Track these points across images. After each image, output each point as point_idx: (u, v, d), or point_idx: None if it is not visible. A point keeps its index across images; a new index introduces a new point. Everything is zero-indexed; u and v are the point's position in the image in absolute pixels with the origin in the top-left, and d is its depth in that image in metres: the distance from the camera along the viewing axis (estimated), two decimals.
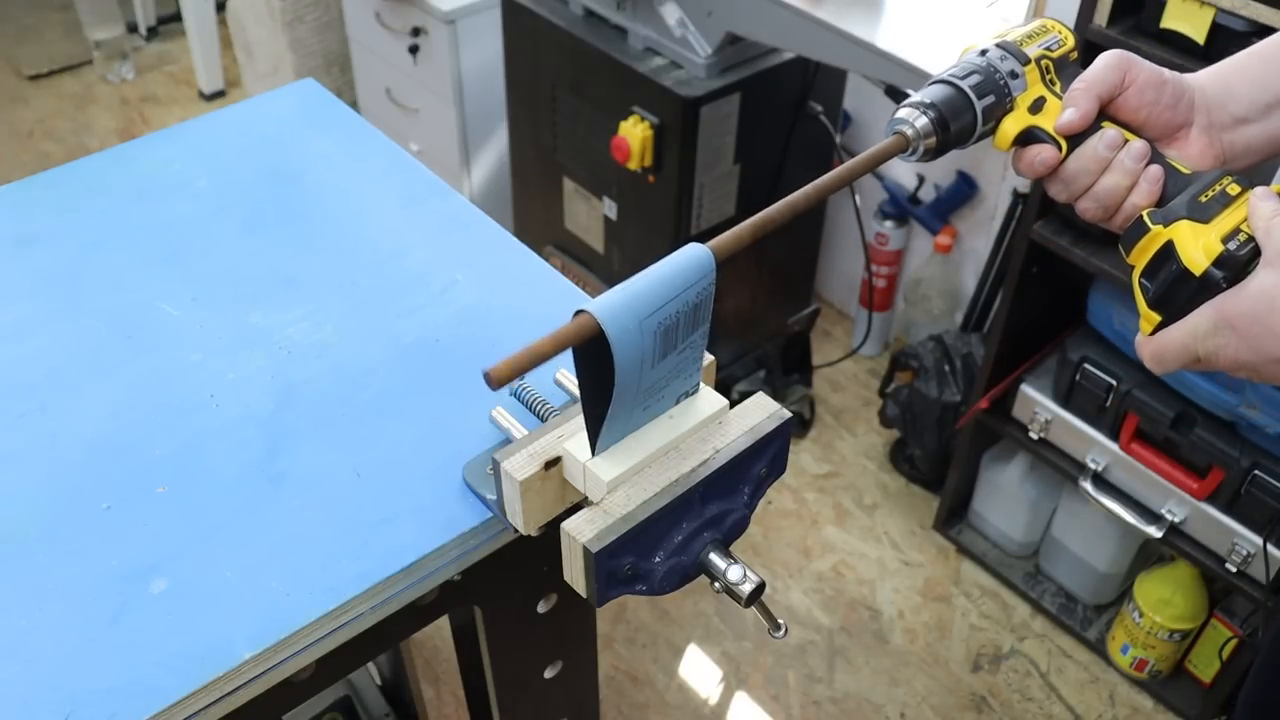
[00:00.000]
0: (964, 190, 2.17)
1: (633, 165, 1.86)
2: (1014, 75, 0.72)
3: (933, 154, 0.72)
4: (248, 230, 1.05)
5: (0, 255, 1.02)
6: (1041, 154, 0.72)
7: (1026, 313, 1.80)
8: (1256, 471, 1.56)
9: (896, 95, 1.84)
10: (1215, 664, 1.79)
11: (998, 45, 0.73)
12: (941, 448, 2.09)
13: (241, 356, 0.91)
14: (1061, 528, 1.97)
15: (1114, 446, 1.73)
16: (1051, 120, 0.72)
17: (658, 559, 0.68)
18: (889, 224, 2.30)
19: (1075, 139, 0.72)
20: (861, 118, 2.29)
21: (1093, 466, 1.77)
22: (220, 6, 3.16)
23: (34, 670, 0.69)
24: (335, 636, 0.73)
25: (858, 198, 2.14)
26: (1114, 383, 1.69)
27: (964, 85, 0.71)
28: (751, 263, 2.10)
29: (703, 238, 0.65)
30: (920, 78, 1.49)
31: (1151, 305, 0.69)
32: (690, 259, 0.64)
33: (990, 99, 0.72)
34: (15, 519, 0.78)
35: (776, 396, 1.50)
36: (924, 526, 2.15)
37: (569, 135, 2.05)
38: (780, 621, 0.71)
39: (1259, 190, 0.68)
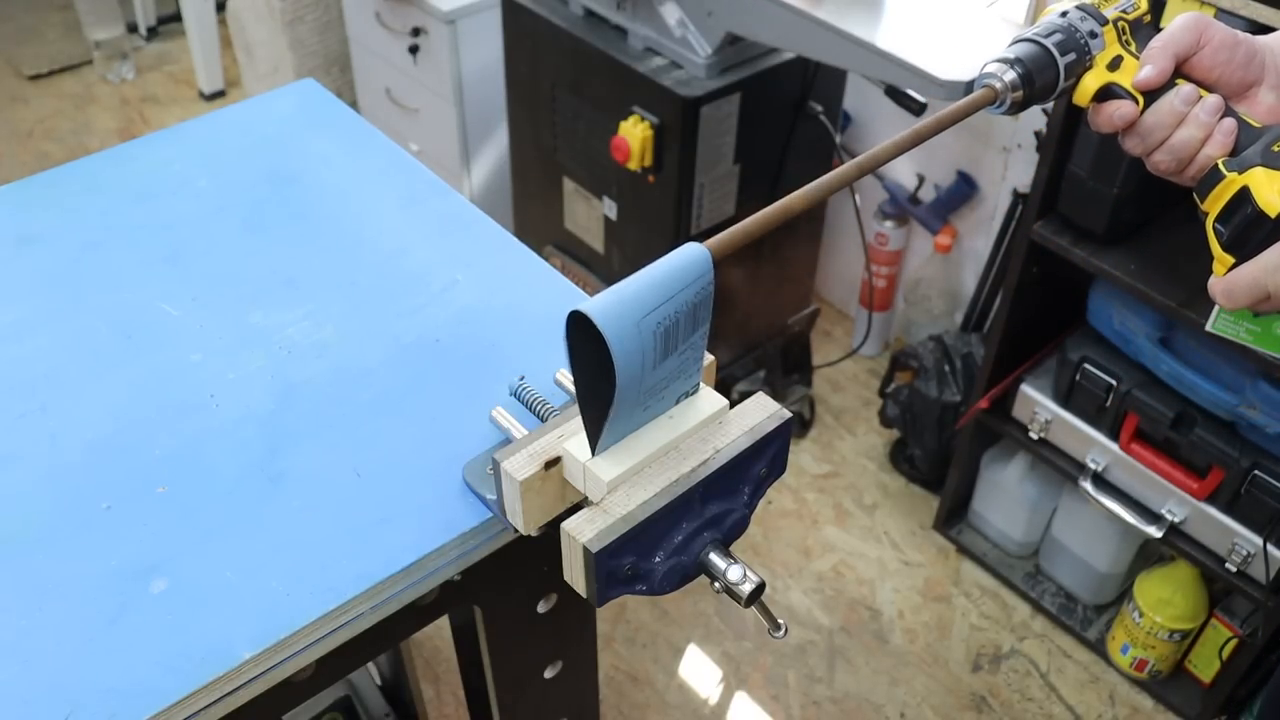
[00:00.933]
0: (964, 190, 2.17)
1: (633, 165, 1.86)
2: (1093, 35, 0.76)
3: (1018, 107, 0.76)
4: (248, 230, 1.05)
5: (0, 255, 1.02)
6: (1121, 109, 0.76)
7: (1026, 313, 1.80)
8: (1256, 471, 1.56)
9: (896, 95, 1.84)
10: (1215, 664, 1.79)
11: (1077, 7, 0.77)
12: (941, 448, 2.09)
13: (241, 356, 0.91)
14: (1061, 528, 1.97)
15: (1114, 446, 1.73)
16: (1129, 77, 0.76)
17: (658, 559, 0.68)
18: (889, 224, 2.30)
19: (1151, 95, 0.75)
20: (861, 118, 2.29)
21: (1093, 466, 1.77)
22: (220, 6, 3.16)
23: (34, 670, 0.69)
24: (335, 636, 0.73)
25: (858, 198, 2.14)
26: (1114, 383, 1.69)
27: (1048, 43, 0.75)
28: (751, 263, 2.10)
29: (703, 238, 0.65)
30: (920, 78, 1.49)
31: (1225, 248, 0.73)
32: (687, 259, 0.63)
33: (1072, 56, 0.75)
34: (15, 519, 0.78)
35: (776, 396, 1.50)
36: (924, 526, 2.15)
37: (569, 135, 2.05)
38: (780, 621, 0.71)
39: None
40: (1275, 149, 0.72)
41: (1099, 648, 1.94)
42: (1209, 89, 0.76)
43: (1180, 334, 1.63)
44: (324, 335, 0.93)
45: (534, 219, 2.31)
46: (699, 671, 1.90)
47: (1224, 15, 1.34)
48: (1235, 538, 1.62)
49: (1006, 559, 2.07)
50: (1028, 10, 1.93)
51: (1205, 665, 1.83)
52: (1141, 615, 1.80)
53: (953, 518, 2.13)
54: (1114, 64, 0.77)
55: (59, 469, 0.81)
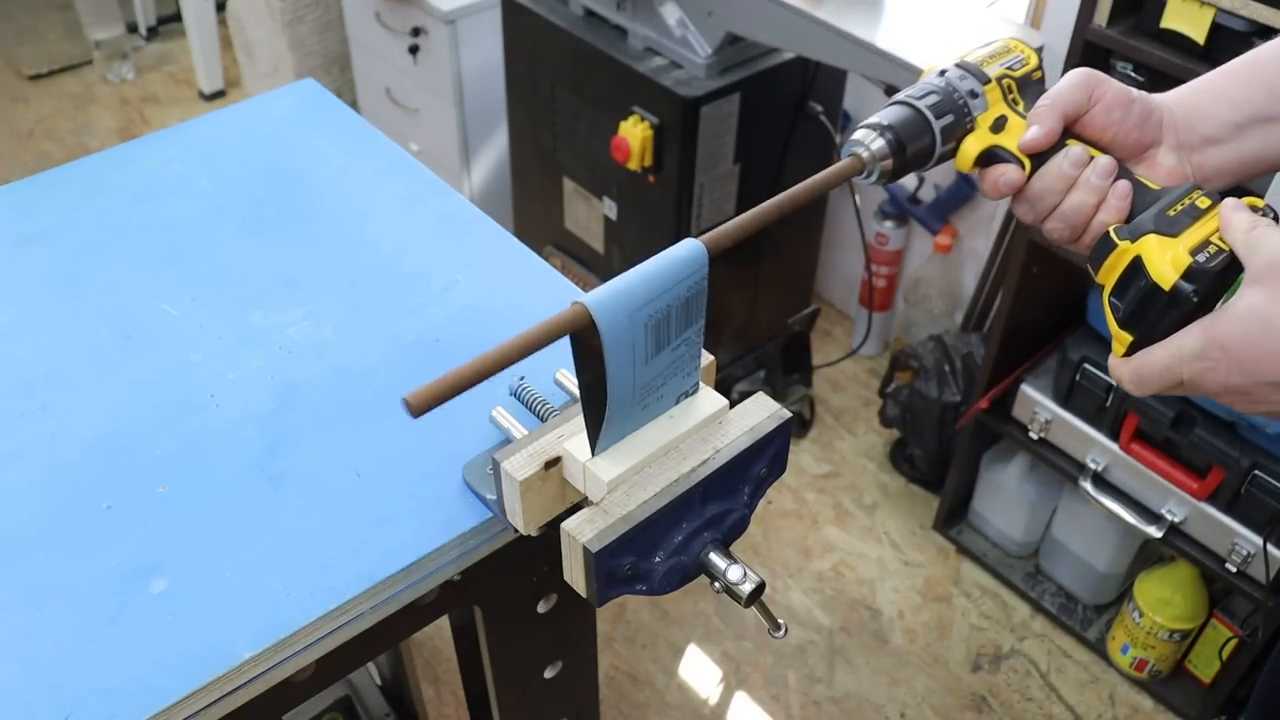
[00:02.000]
0: (964, 190, 2.17)
1: (633, 165, 1.86)
2: (974, 94, 0.71)
3: (890, 176, 0.70)
4: (248, 230, 1.05)
5: (0, 255, 1.02)
6: (1006, 174, 0.70)
7: (1026, 313, 1.80)
8: (1256, 471, 1.56)
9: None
10: (1215, 664, 1.79)
11: (956, 65, 0.72)
12: (941, 448, 2.09)
13: (241, 356, 0.91)
14: (1061, 528, 1.97)
15: (1114, 446, 1.73)
16: (1015, 139, 0.70)
17: (658, 559, 0.68)
18: (889, 224, 2.30)
19: (1039, 158, 0.70)
20: (861, 118, 2.28)
21: (1093, 466, 1.77)
22: (220, 6, 3.16)
23: (34, 670, 0.69)
24: (335, 636, 0.73)
25: (858, 198, 2.14)
26: (1114, 383, 1.69)
27: (921, 105, 0.70)
28: (751, 263, 2.10)
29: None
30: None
31: (1122, 324, 0.67)
32: (682, 253, 0.64)
33: (949, 118, 0.70)
34: (15, 519, 0.78)
35: (776, 396, 1.50)
36: (924, 526, 2.15)
37: (569, 135, 2.05)
38: (780, 621, 0.71)
39: (1230, 201, 0.66)
40: (1171, 213, 0.66)
41: (1099, 648, 1.93)
42: (1104, 150, 0.70)
43: None
44: (324, 335, 0.93)
45: (534, 219, 2.31)
46: (699, 671, 1.90)
47: (1224, 15, 1.34)
48: (1235, 538, 1.62)
49: (1006, 559, 2.07)
50: (1027, 10, 1.93)
51: (1205, 665, 1.83)
52: (1141, 615, 1.80)
53: (953, 518, 2.13)
54: (998, 125, 0.71)
55: (59, 469, 0.81)
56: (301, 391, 0.88)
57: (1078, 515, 1.92)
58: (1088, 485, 1.77)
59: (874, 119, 0.70)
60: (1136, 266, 0.65)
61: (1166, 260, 0.64)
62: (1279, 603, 1.58)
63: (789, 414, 0.74)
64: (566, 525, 0.66)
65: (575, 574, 0.67)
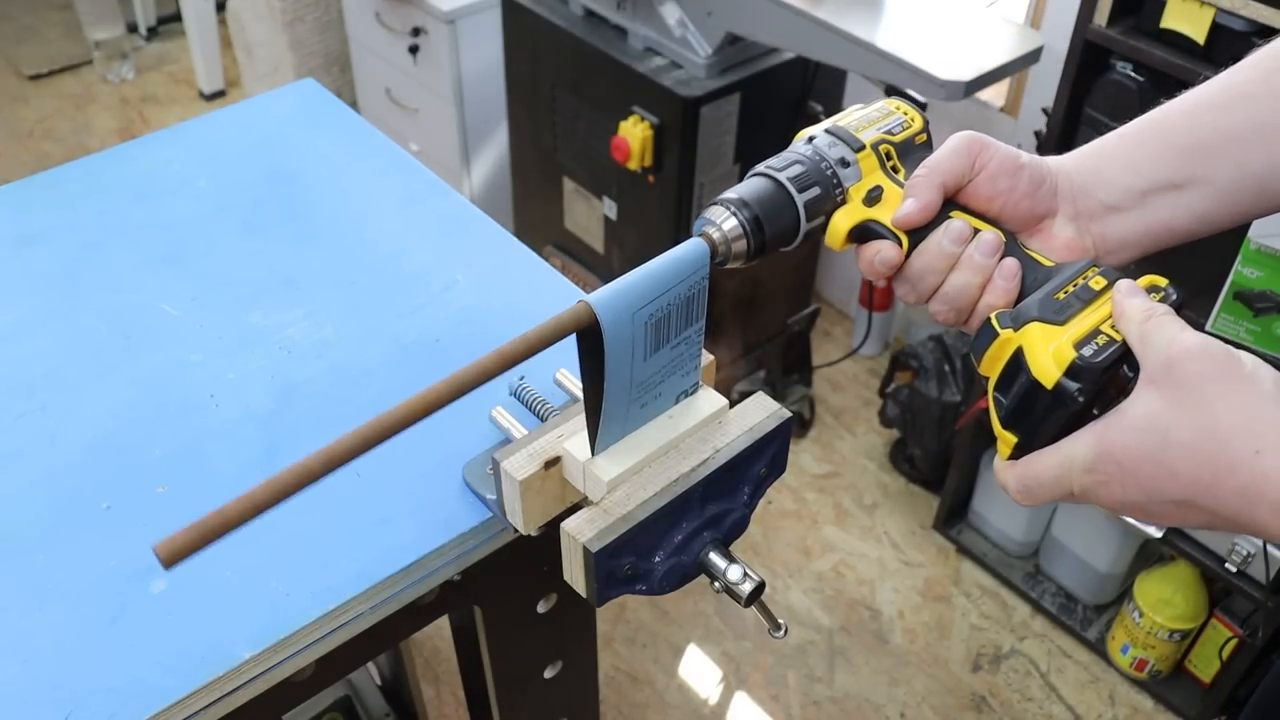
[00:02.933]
0: None
1: (633, 165, 1.86)
2: (844, 163, 0.64)
3: (747, 258, 0.63)
4: (248, 230, 1.05)
5: (0, 255, 1.02)
6: (881, 251, 0.63)
7: None
8: None
9: (896, 95, 1.84)
10: (1215, 664, 1.79)
11: (827, 131, 0.65)
12: (941, 448, 2.09)
13: (241, 356, 0.91)
14: (1061, 528, 1.97)
15: None
16: (890, 212, 0.63)
17: (657, 559, 0.68)
18: None
19: (918, 233, 0.63)
20: None
21: None
22: (220, 6, 3.16)
23: (34, 670, 0.69)
24: (335, 636, 0.73)
25: None
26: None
27: (781, 178, 0.63)
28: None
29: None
30: (920, 78, 1.49)
31: (1005, 424, 0.59)
32: (685, 252, 0.64)
33: (815, 191, 0.63)
34: (15, 519, 0.78)
35: (776, 396, 1.50)
36: (924, 526, 2.15)
37: (569, 135, 2.05)
38: (780, 621, 0.71)
39: (1124, 284, 0.59)
40: (1060, 296, 0.58)
41: (1099, 648, 1.93)
42: (994, 224, 0.64)
43: None
44: (324, 335, 0.93)
45: (534, 219, 2.32)
46: (699, 671, 1.90)
47: (1224, 15, 1.34)
48: (1235, 538, 1.62)
49: (1006, 559, 2.07)
50: (1028, 10, 1.93)
51: (1205, 665, 1.83)
52: (1141, 615, 1.80)
53: (953, 518, 2.13)
54: (872, 197, 0.64)
55: (59, 469, 0.81)
56: (301, 391, 0.88)
57: (1078, 515, 1.92)
58: None
59: (729, 193, 0.63)
60: (1018, 359, 0.58)
61: (1049, 353, 0.56)
62: (1279, 603, 1.59)
63: (789, 414, 0.74)
64: (566, 525, 0.66)
65: (575, 574, 0.67)
